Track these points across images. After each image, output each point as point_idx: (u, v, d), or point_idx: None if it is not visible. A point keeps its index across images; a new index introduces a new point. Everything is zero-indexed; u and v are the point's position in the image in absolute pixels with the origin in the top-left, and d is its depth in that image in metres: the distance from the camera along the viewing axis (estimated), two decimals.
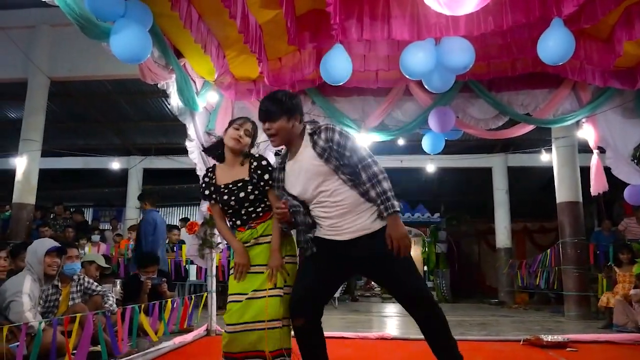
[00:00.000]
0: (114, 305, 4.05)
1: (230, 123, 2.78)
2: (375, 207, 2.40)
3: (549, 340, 4.23)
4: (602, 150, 5.31)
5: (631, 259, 5.70)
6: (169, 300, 4.61)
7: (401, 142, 8.55)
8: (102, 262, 4.94)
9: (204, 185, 2.80)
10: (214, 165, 2.85)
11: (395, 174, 11.16)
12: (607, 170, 5.21)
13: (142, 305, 4.08)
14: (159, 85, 4.36)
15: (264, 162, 2.73)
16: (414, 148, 7.00)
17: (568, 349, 4.11)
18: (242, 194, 2.65)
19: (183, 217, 10.81)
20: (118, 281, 5.49)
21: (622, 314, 5.34)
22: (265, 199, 2.70)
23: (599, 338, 4.64)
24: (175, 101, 4.57)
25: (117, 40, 3.15)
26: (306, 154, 2.48)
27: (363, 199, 2.41)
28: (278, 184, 2.62)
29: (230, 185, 2.69)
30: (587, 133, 5.39)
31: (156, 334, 4.35)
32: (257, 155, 2.77)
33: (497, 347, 4.47)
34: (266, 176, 2.68)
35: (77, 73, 7.79)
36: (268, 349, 2.47)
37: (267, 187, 2.69)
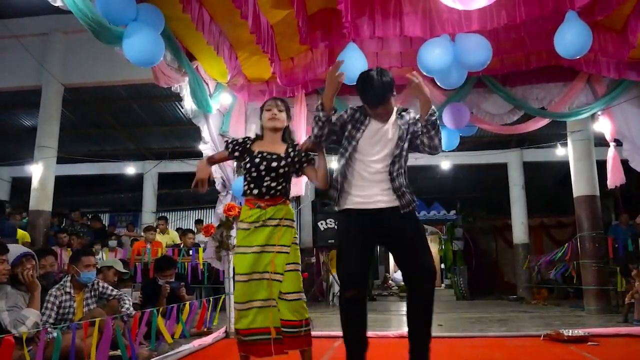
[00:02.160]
0: (131, 309, 4.06)
1: (261, 109, 2.97)
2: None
3: (570, 335, 4.18)
4: (618, 143, 5.23)
5: None
6: (187, 302, 4.65)
7: None
8: (120, 267, 4.97)
9: (234, 142, 2.96)
10: (254, 138, 2.99)
11: (410, 172, 11.06)
12: (624, 163, 5.14)
13: (160, 309, 4.10)
14: (172, 89, 4.40)
15: (303, 153, 2.91)
16: None
17: (589, 343, 4.04)
18: (274, 164, 2.80)
19: (197, 219, 10.86)
20: (137, 285, 5.52)
21: None
22: (288, 184, 2.88)
23: (619, 332, 4.58)
24: (188, 104, 4.61)
25: (130, 44, 3.19)
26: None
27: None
28: (357, 124, 2.72)
29: (265, 154, 2.84)
30: (603, 126, 5.32)
31: (174, 336, 4.38)
32: (295, 142, 2.97)
33: (518, 342, 4.42)
34: (302, 156, 2.88)
35: (91, 79, 7.85)
36: (293, 318, 2.70)
37: (304, 164, 2.89)
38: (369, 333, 4.46)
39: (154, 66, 3.72)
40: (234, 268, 3.12)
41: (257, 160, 2.82)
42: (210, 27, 3.80)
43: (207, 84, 4.73)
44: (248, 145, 2.91)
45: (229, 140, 3.02)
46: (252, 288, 2.75)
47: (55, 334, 3.09)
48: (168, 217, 12.99)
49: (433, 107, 2.73)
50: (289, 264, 2.77)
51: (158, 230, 8.40)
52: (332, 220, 9.20)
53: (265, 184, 2.80)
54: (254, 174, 2.81)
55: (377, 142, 2.69)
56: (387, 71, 2.68)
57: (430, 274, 2.61)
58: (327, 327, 5.43)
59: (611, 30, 4.38)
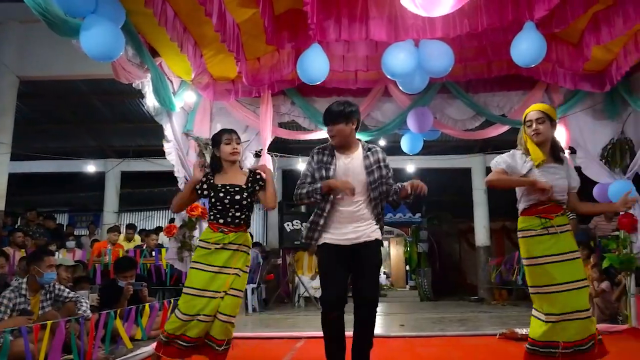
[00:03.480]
0: (88, 311, 3.93)
1: (217, 141, 3.10)
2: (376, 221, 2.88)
3: (523, 333, 4.30)
4: (573, 151, 5.43)
5: (588, 255, 5.84)
6: (147, 304, 4.54)
7: (382, 142, 8.57)
8: (68, 262, 4.80)
9: (201, 184, 3.08)
10: (213, 171, 3.16)
11: None
12: (578, 170, 5.34)
13: (118, 311, 4.00)
14: (133, 85, 4.30)
15: (257, 177, 3.13)
16: (395, 149, 7.04)
17: None
18: (237, 197, 3.02)
19: (158, 226, 10.56)
20: (95, 287, 5.36)
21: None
22: (250, 212, 3.10)
23: None
24: (151, 101, 4.51)
25: (88, 37, 3.08)
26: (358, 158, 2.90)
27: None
28: (325, 165, 2.88)
29: (228, 187, 3.04)
30: (559, 134, 5.51)
31: (133, 339, 4.27)
32: (253, 170, 3.17)
33: (474, 341, 4.56)
34: (260, 182, 3.10)
35: (49, 72, 7.50)
36: (219, 337, 2.95)
37: (258, 190, 3.09)
38: None
39: (113, 61, 3.62)
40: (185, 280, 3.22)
41: (221, 194, 3.02)
42: (174, 23, 3.73)
43: (170, 82, 4.65)
44: (211, 181, 3.08)
45: (197, 187, 3.10)
46: (202, 304, 2.92)
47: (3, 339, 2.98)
48: (131, 217, 12.74)
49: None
50: (234, 289, 3.00)
51: (124, 236, 8.22)
52: (299, 221, 9.18)
53: (230, 214, 3.01)
54: (219, 207, 3.01)
55: (348, 177, 2.85)
56: (354, 104, 2.93)
57: (375, 301, 2.89)
58: (292, 328, 5.41)
59: (568, 43, 4.56)
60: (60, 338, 3.15)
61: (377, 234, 2.86)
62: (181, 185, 4.97)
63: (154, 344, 4.14)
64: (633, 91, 4.94)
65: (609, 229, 6.77)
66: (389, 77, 4.18)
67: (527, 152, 2.85)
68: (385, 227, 3.12)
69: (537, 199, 2.79)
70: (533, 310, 2.87)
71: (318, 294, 8.84)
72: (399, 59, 3.99)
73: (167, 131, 4.75)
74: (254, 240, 10.03)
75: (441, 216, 12.25)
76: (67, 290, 4.05)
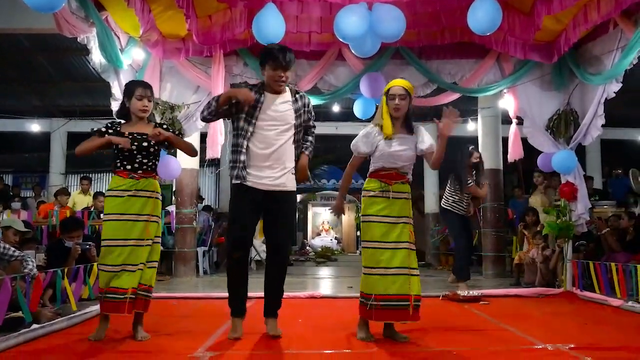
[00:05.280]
0: (35, 270, 3.85)
1: (130, 92, 3.07)
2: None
3: (465, 295, 4.54)
4: (520, 121, 5.63)
5: (536, 221, 6.15)
6: (95, 264, 4.47)
7: (336, 108, 8.60)
8: (19, 227, 4.66)
9: (107, 125, 3.06)
10: (119, 122, 3.16)
11: (331, 140, 11.28)
12: (526, 141, 5.54)
13: (65, 270, 3.93)
14: (78, 39, 4.12)
15: (164, 126, 3.18)
16: (348, 115, 7.09)
17: (481, 302, 4.46)
18: (144, 144, 3.03)
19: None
20: (42, 248, 5.22)
21: (531, 272, 5.80)
22: (157, 160, 3.13)
23: (508, 292, 5.11)
24: (97, 57, 4.34)
25: None
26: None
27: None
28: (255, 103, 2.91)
29: (135, 134, 3.04)
30: (508, 103, 5.69)
31: (80, 299, 4.22)
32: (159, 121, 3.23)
33: None
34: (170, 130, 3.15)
35: None
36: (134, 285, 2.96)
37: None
38: (285, 294, 4.60)
39: (56, 13, 3.45)
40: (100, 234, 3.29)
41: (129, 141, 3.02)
42: None
43: (117, 37, 4.47)
44: (119, 129, 3.06)
45: (102, 129, 3.08)
46: (126, 252, 2.94)
47: None
48: (78, 179, 12.32)
49: None
50: (157, 236, 3.09)
51: (80, 189, 8.03)
52: None
53: (137, 160, 3.03)
54: (126, 153, 3.01)
55: (277, 115, 2.95)
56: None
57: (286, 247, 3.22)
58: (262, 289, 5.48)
59: (520, 12, 4.66)
60: (5, 295, 3.09)
61: (293, 185, 3.02)
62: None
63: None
64: (580, 63, 5.10)
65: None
66: (340, 40, 4.17)
67: (381, 126, 3.00)
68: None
69: (381, 165, 2.99)
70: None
71: None
72: (351, 22, 3.98)
73: (115, 89, 4.60)
74: (205, 204, 9.99)
75: None
76: (13, 249, 3.95)
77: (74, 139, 10.93)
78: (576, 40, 4.71)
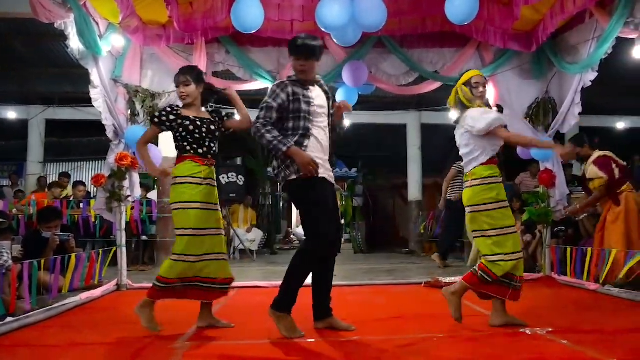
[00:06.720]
0: (10, 262, 3.79)
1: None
2: None
3: (447, 281, 4.62)
4: (500, 109, 5.68)
5: (520, 208, 6.24)
6: (73, 255, 4.43)
7: None
8: None
9: (164, 112, 3.02)
10: (177, 105, 3.12)
11: None
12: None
13: (43, 261, 3.89)
14: (55, 25, 4.03)
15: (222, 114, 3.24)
16: None
17: None
18: (212, 126, 3.08)
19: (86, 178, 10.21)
20: (18, 239, 5.14)
21: None
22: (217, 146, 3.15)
23: None
24: (75, 44, 4.26)
25: None
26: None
27: None
28: (304, 98, 2.88)
29: (202, 117, 3.07)
30: (488, 92, 5.72)
31: (60, 291, 4.19)
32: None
33: (401, 289, 4.85)
34: (220, 116, 3.20)
35: None
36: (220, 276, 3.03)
37: (225, 120, 3.21)
38: (264, 283, 4.64)
39: None
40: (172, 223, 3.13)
41: (198, 122, 3.02)
42: None
43: (97, 23, 4.38)
44: (179, 112, 3.02)
45: (160, 113, 3.05)
46: (208, 243, 2.98)
47: None
48: (58, 168, 12.12)
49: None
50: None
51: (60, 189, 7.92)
52: (234, 174, 9.13)
53: (207, 143, 3.04)
54: (197, 136, 2.99)
55: (323, 108, 2.99)
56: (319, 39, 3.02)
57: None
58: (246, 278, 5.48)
59: (499, 2, 4.69)
60: None
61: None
62: (109, 134, 4.77)
63: (83, 294, 4.13)
64: (558, 52, 5.16)
65: (532, 185, 7.25)
66: (322, 29, 4.15)
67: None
68: None
69: (493, 152, 3.21)
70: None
71: (254, 246, 8.99)
72: (333, 11, 3.96)
73: (94, 76, 4.51)
74: None
75: (376, 171, 12.56)
76: None
77: (53, 126, 10.74)
78: (554, 30, 4.77)
